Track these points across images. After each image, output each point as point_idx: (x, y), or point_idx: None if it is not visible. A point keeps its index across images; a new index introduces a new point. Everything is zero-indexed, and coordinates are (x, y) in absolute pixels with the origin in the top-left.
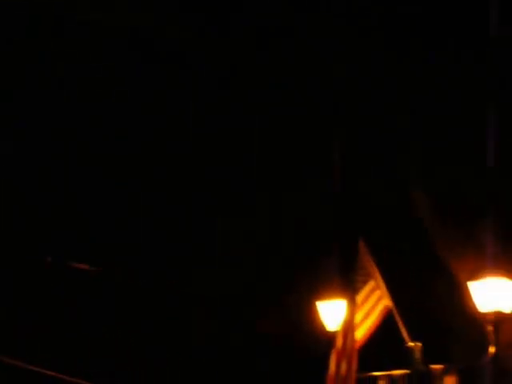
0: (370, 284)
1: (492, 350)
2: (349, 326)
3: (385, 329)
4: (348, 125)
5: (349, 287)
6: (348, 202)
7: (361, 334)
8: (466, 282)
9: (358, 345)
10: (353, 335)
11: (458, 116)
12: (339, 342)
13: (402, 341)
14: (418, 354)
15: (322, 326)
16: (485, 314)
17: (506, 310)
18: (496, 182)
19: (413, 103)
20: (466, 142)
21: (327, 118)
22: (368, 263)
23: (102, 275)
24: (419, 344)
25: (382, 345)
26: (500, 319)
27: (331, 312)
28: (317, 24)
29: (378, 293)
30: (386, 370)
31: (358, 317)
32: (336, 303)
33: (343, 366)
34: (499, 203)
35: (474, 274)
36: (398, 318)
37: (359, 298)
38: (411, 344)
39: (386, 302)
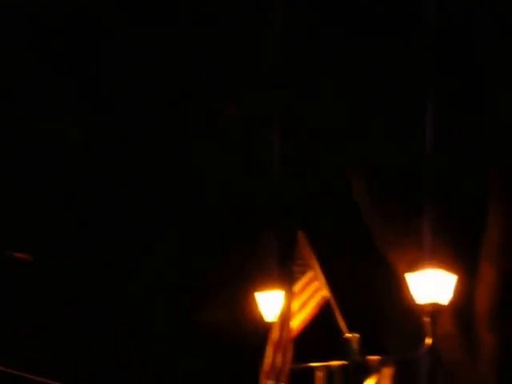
0: (308, 275)
1: (428, 341)
2: (285, 318)
3: (322, 320)
4: (285, 114)
5: (287, 278)
6: (287, 192)
7: (296, 324)
8: (403, 273)
9: (293, 335)
10: (289, 327)
11: (396, 104)
12: (275, 333)
13: (340, 332)
14: (355, 345)
15: (261, 317)
16: (422, 306)
17: (443, 302)
18: (432, 172)
19: (351, 92)
20: (404, 130)
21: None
22: (307, 254)
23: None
24: (356, 335)
25: (320, 336)
26: (437, 311)
27: (269, 303)
28: None
29: (316, 283)
30: (324, 361)
31: (295, 307)
32: (274, 294)
33: (278, 358)
34: (437, 194)
35: (412, 266)
36: (335, 309)
37: (296, 288)
38: (348, 335)
39: (324, 292)
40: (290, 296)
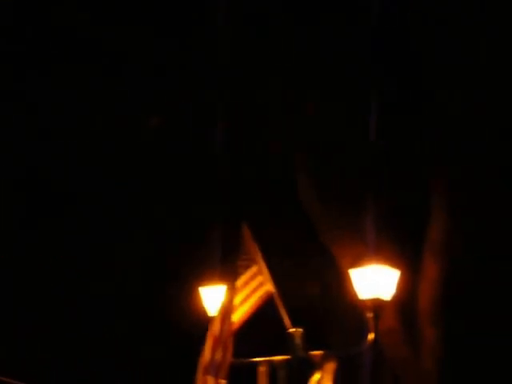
0: (253, 269)
1: (371, 336)
2: (226, 313)
3: (266, 315)
4: (230, 109)
5: (229, 272)
6: (231, 186)
7: (237, 318)
8: (347, 268)
9: (233, 330)
10: (230, 321)
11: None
12: (216, 328)
13: (284, 327)
14: (298, 340)
15: (204, 312)
16: (365, 301)
17: (386, 298)
18: (376, 167)
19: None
20: (350, 121)
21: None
22: (251, 248)
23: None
24: (300, 330)
25: (264, 331)
26: (380, 306)
27: (213, 297)
28: None
29: (260, 278)
30: (267, 356)
31: (236, 301)
32: (218, 288)
33: (218, 353)
34: (380, 188)
35: (356, 261)
36: (279, 304)
37: (240, 282)
38: (292, 330)
39: (268, 287)
40: (232, 291)
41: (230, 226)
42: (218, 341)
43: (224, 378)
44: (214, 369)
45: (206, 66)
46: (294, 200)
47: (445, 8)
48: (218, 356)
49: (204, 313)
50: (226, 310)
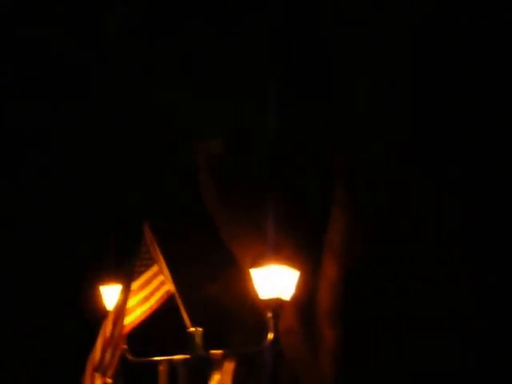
0: (153, 268)
1: (270, 336)
2: (119, 313)
3: (167, 314)
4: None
5: (125, 272)
6: (132, 186)
7: (133, 319)
8: (248, 268)
9: (128, 330)
10: (122, 322)
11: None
12: (108, 328)
13: (184, 326)
14: (198, 339)
15: (105, 310)
16: (264, 301)
17: (286, 298)
18: (277, 166)
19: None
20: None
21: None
22: (152, 247)
23: None
24: (200, 329)
25: (164, 330)
26: (279, 306)
27: (113, 296)
28: None
29: (160, 278)
30: (168, 355)
31: (135, 301)
32: (117, 287)
33: (108, 354)
34: (282, 188)
35: (257, 261)
36: (180, 303)
37: (139, 282)
38: (192, 329)
39: (169, 286)
40: (127, 291)
41: (128, 226)
42: (108, 341)
43: (111, 378)
44: (102, 368)
45: None
46: (195, 199)
47: None
48: (108, 356)
49: (104, 311)
50: (119, 311)
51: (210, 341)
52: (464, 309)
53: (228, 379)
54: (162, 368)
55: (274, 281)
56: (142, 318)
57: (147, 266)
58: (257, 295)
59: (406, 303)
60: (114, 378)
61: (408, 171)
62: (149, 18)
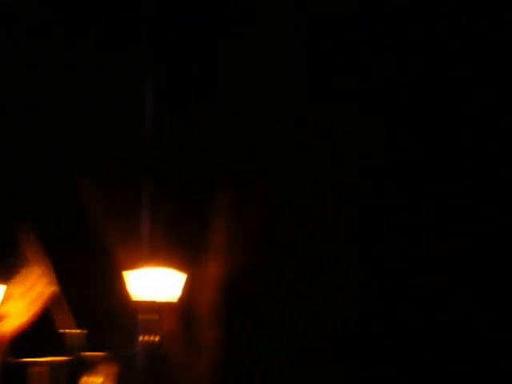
0: (36, 271)
1: (147, 338)
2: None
3: (48, 315)
4: None
5: (6, 274)
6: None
7: (14, 323)
8: (126, 270)
9: (11, 334)
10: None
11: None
12: None
13: (65, 327)
14: (78, 341)
15: None
16: (142, 303)
17: (166, 300)
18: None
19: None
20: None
21: None
22: (35, 249)
23: None
24: (81, 331)
25: (44, 331)
26: (159, 309)
27: None
28: None
29: (44, 280)
30: (48, 357)
31: (17, 305)
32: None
33: None
34: (158, 190)
35: (136, 263)
36: (62, 305)
37: (21, 284)
38: (73, 331)
39: (52, 288)
40: (5, 296)
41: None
42: None
43: None
44: None
45: None
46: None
47: None
48: None
49: None
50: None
51: (92, 343)
52: (348, 308)
53: (110, 382)
54: (41, 369)
55: (153, 283)
56: (29, 320)
57: (24, 268)
58: (136, 297)
59: (289, 302)
60: None
61: None
62: None
